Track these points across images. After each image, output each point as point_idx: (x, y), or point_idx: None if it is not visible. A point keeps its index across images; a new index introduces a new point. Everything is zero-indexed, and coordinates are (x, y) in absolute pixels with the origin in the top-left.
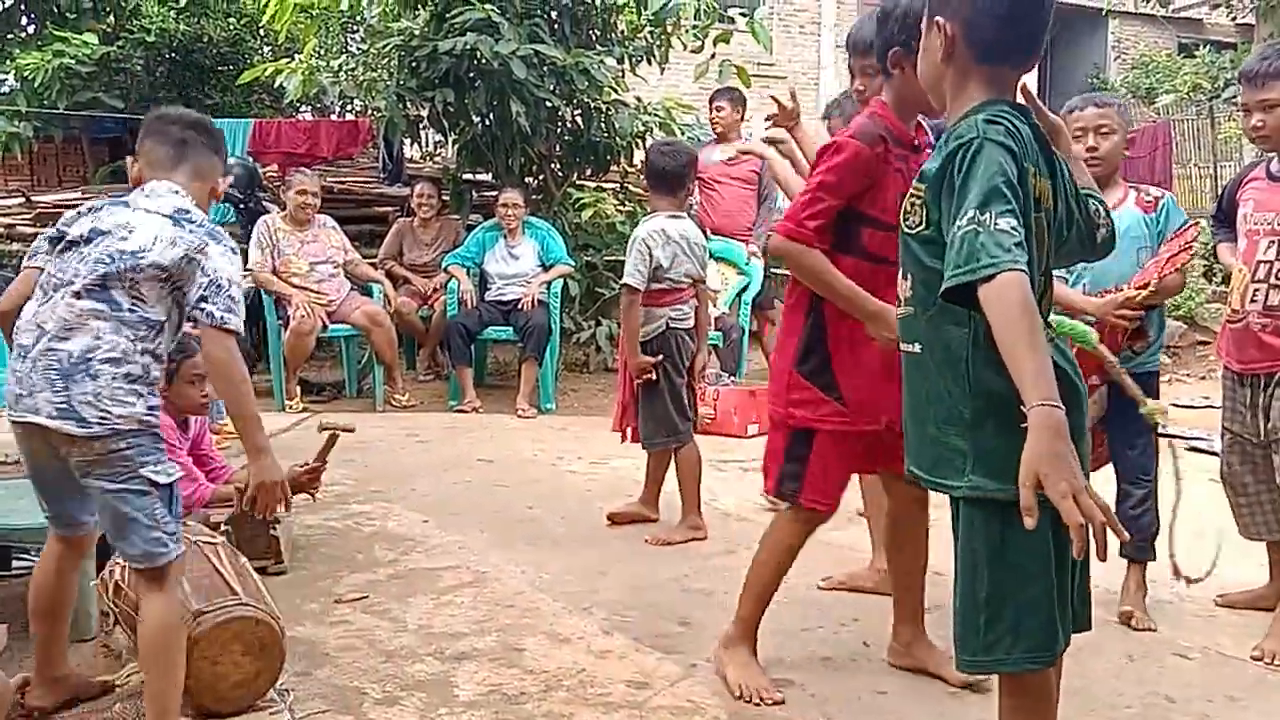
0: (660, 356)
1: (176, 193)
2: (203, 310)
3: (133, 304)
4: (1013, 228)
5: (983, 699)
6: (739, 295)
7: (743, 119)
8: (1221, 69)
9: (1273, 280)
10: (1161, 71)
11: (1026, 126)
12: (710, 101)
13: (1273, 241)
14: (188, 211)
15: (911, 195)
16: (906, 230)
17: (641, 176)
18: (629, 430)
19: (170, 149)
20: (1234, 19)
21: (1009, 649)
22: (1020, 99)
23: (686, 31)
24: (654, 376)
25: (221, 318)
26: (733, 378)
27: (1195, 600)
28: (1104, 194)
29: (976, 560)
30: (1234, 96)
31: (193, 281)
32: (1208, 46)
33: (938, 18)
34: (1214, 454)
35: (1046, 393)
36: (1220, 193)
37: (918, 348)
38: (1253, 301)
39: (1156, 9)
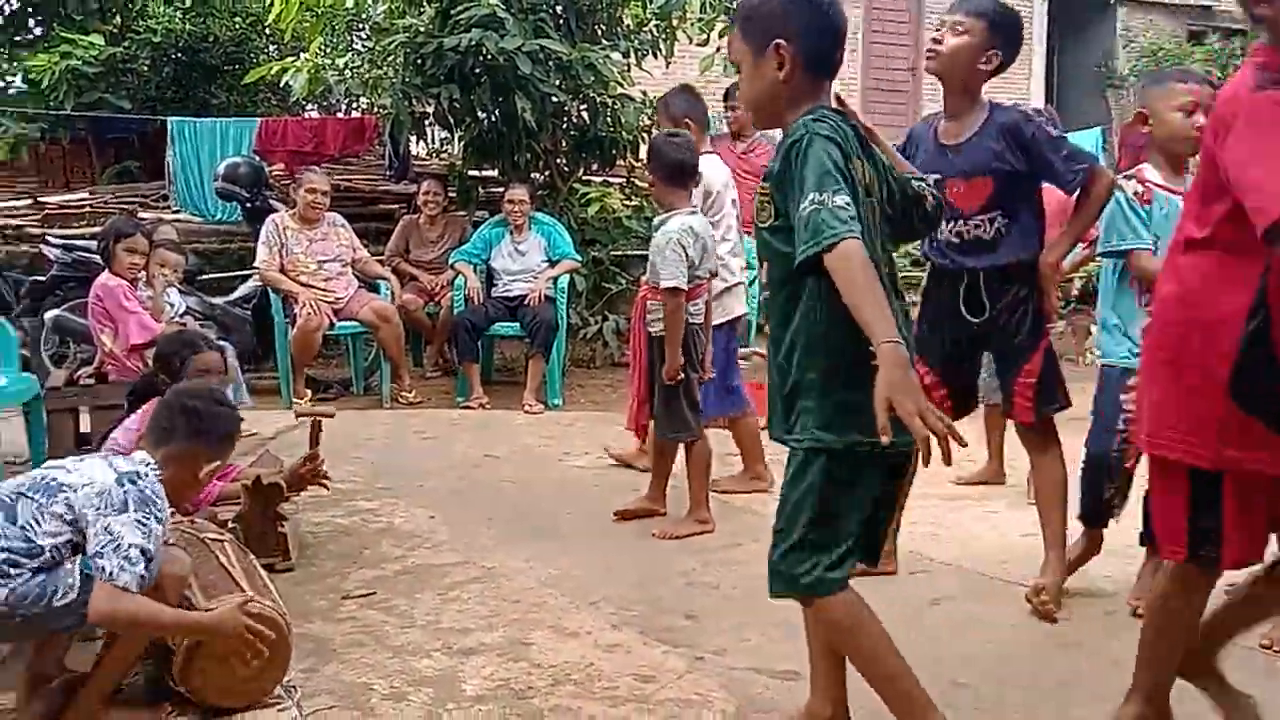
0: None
1: (145, 464)
2: (96, 564)
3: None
4: (846, 203)
5: (991, 689)
6: (751, 284)
7: None
8: (1232, 55)
9: None
10: (1171, 59)
11: (847, 126)
12: (725, 98)
13: None
14: (138, 477)
15: (760, 195)
16: (760, 225)
17: (647, 171)
18: (642, 429)
19: (156, 432)
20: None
21: (811, 570)
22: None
23: (692, 24)
24: (682, 376)
25: (112, 573)
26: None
27: None
28: (1177, 180)
29: (803, 498)
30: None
31: (94, 537)
32: (1217, 33)
33: (777, 41)
34: None
35: (890, 332)
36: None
37: (777, 325)
38: None
39: None
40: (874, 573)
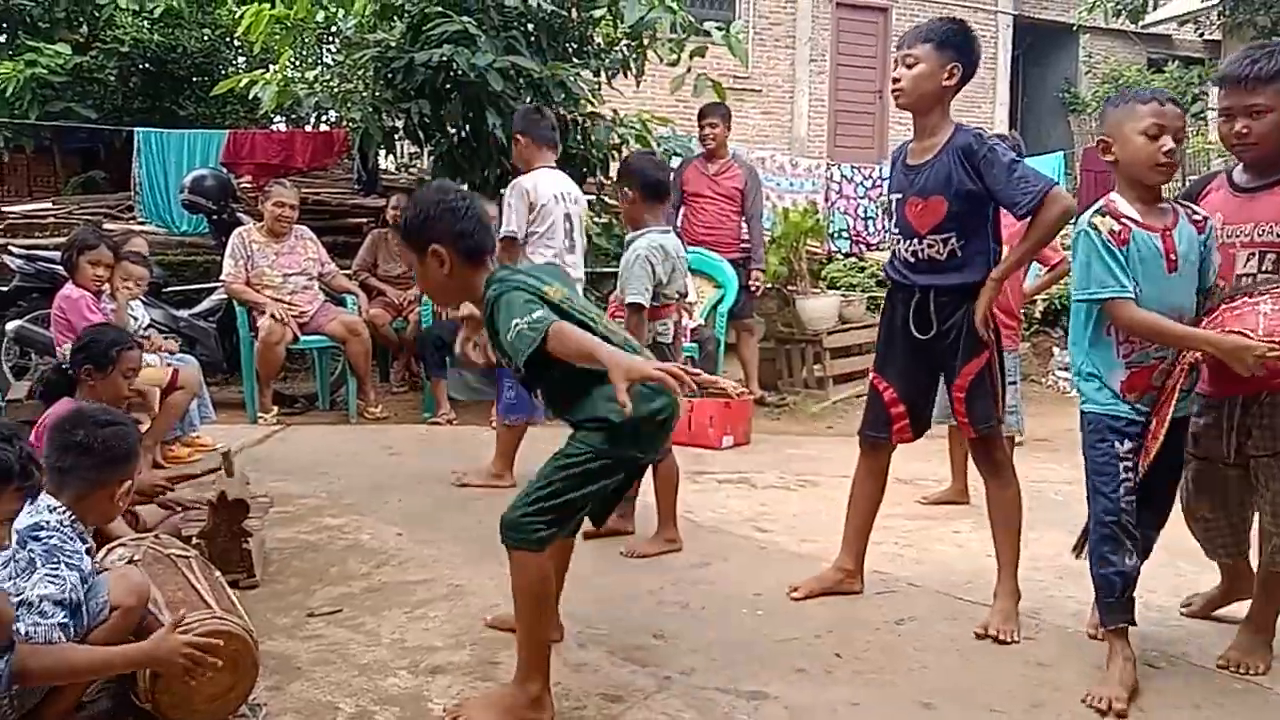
0: None
1: (50, 509)
2: (15, 628)
3: None
4: (540, 315)
5: (959, 710)
6: (714, 307)
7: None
8: (1190, 84)
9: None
10: (1132, 86)
11: (521, 273)
12: (701, 118)
13: (1252, 254)
14: (39, 529)
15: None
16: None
17: (618, 189)
18: None
19: (55, 475)
20: (1202, 35)
21: (535, 531)
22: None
23: (663, 45)
24: None
25: (28, 634)
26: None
27: (1161, 610)
28: (1155, 205)
29: (559, 467)
30: (1202, 112)
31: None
32: (1176, 62)
33: (433, 246)
34: None
35: (610, 355)
36: None
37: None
38: None
39: (1126, 25)
40: (839, 592)
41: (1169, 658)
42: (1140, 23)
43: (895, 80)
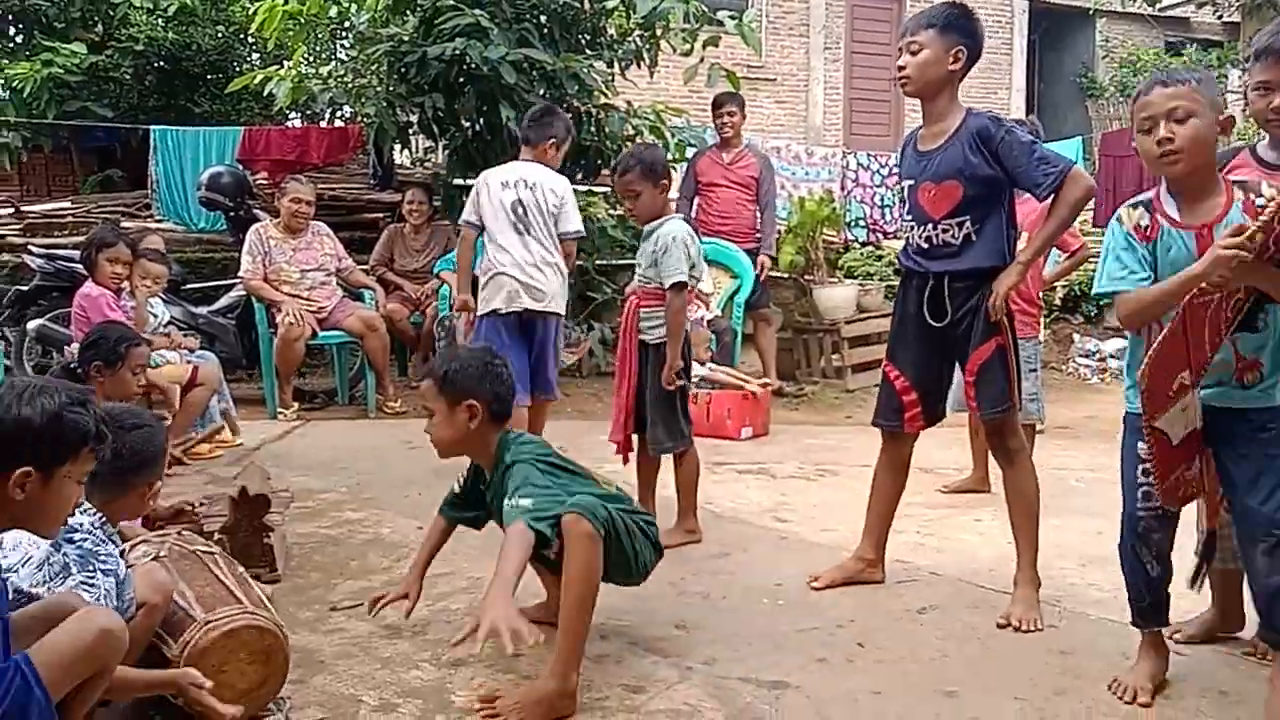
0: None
1: (82, 510)
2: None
3: None
4: (531, 504)
5: (981, 698)
6: (731, 298)
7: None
8: (1209, 67)
9: None
10: (1149, 70)
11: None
12: (718, 107)
13: None
14: (73, 530)
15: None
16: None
17: (622, 195)
18: (625, 441)
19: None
20: (1220, 18)
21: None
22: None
23: (675, 35)
24: (682, 381)
25: None
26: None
27: (1188, 597)
28: (1202, 199)
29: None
30: (1221, 94)
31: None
32: (1194, 45)
33: (469, 401)
34: None
35: (486, 605)
36: None
37: None
38: None
39: (1144, 8)
40: (861, 581)
41: (1194, 643)
42: (1157, 6)
43: (901, 68)
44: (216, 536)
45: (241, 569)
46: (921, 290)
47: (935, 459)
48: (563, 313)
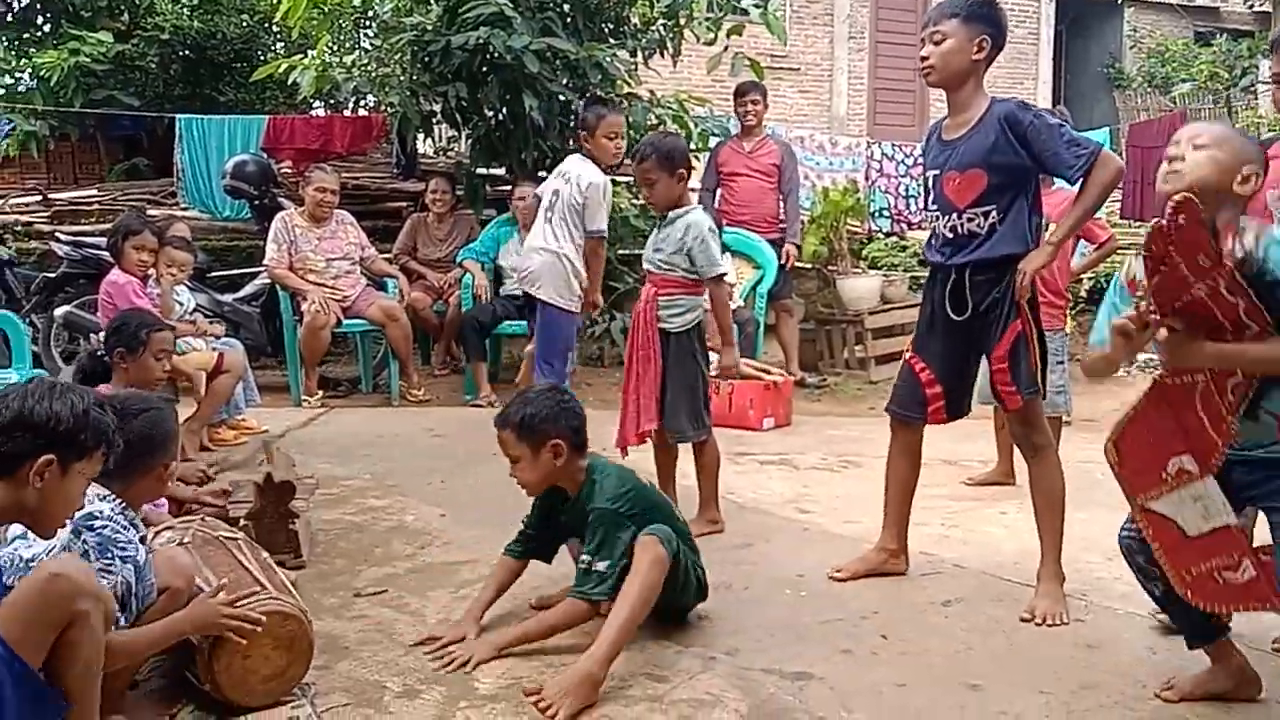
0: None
1: (101, 498)
2: None
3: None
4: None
5: (1006, 691)
6: (753, 288)
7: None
8: (1239, 57)
9: None
10: (1178, 60)
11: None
12: (741, 95)
13: None
14: (93, 518)
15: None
16: None
17: (642, 183)
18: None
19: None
20: (1251, 6)
21: None
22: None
23: (699, 24)
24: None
25: None
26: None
27: None
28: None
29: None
30: (1252, 85)
31: None
32: (1224, 35)
33: (554, 441)
34: None
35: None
36: None
37: None
38: None
39: None
40: (884, 572)
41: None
42: None
43: (924, 59)
44: (242, 523)
45: (266, 555)
46: (944, 284)
47: (960, 451)
48: (555, 302)
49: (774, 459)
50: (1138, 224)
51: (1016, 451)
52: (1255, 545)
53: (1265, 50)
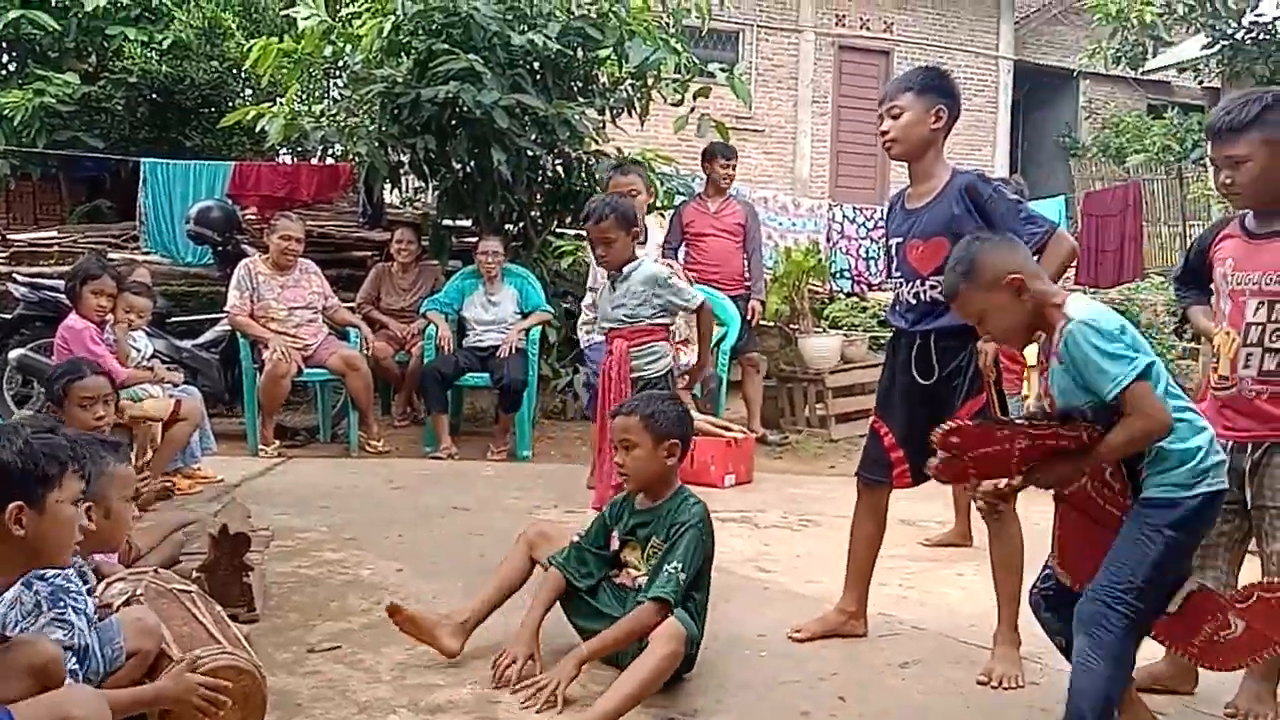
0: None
1: None
2: None
3: None
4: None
5: None
6: (717, 345)
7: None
8: (1189, 130)
9: (1267, 343)
10: (1131, 132)
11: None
12: (716, 157)
13: (1261, 303)
14: (44, 569)
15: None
16: None
17: (596, 243)
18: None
19: None
20: (1201, 83)
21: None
22: None
23: (666, 85)
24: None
25: None
26: None
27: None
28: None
29: None
30: (1202, 158)
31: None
32: (1176, 108)
33: (671, 440)
34: None
35: None
36: (1187, 249)
37: None
38: (1245, 367)
39: (1127, 71)
40: (843, 634)
41: (1177, 706)
42: (1140, 69)
43: (885, 133)
44: (195, 575)
45: (219, 608)
46: (910, 348)
47: (918, 512)
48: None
49: (735, 516)
50: (1092, 291)
51: (975, 513)
52: (1231, 596)
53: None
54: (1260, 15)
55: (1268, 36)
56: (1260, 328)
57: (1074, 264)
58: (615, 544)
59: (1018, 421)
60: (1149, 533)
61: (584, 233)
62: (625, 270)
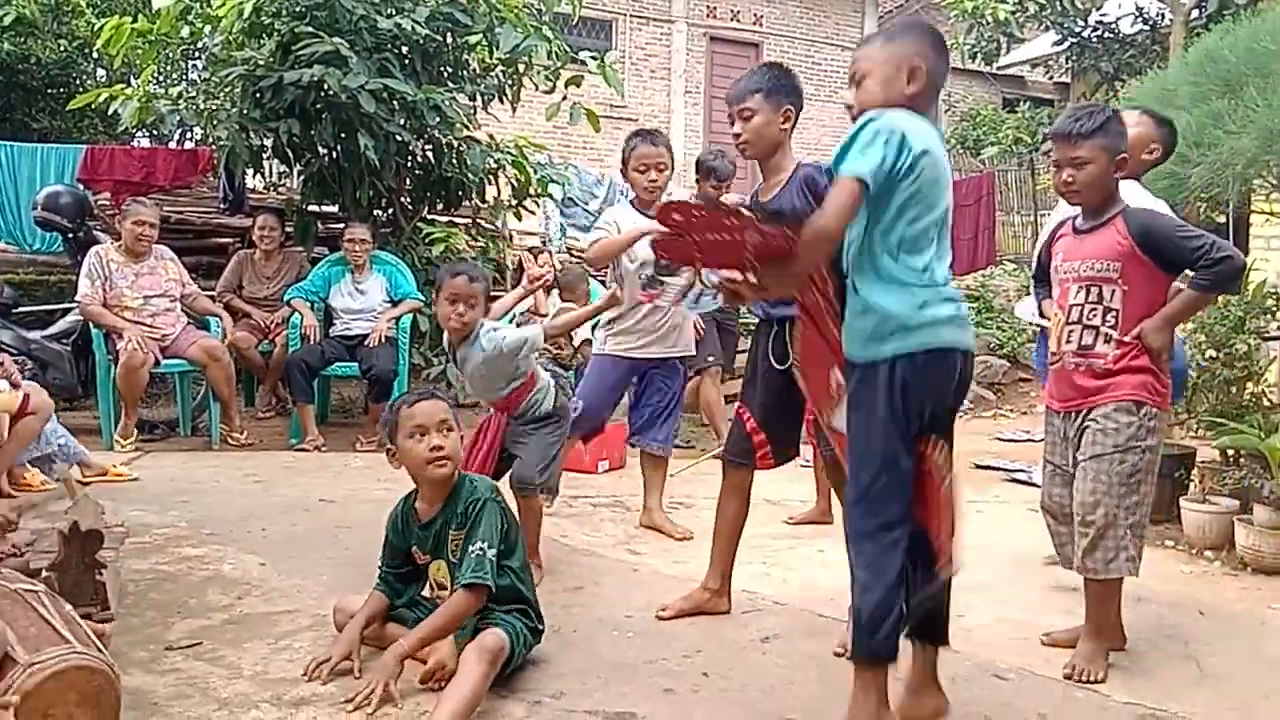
0: None
1: None
2: None
3: None
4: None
5: None
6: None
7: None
8: (1040, 124)
9: (1084, 321)
10: (987, 125)
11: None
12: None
13: (1081, 286)
14: None
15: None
16: None
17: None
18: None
19: None
20: (1051, 78)
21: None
22: None
23: (538, 73)
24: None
25: None
26: None
27: (1012, 623)
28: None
29: None
30: (1050, 150)
31: None
32: (1028, 103)
33: None
34: (1034, 485)
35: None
36: (1038, 252)
37: None
38: (1067, 343)
39: (982, 66)
40: (708, 611)
41: (1018, 669)
42: (995, 64)
43: (737, 135)
44: (44, 574)
45: (69, 608)
46: (767, 335)
47: (782, 492)
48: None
49: (608, 501)
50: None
51: (834, 492)
52: None
53: (1046, 134)
54: (1105, 15)
55: (1111, 35)
56: (1079, 308)
57: None
58: (421, 560)
59: (744, 213)
60: (851, 416)
61: (454, 219)
62: (479, 332)
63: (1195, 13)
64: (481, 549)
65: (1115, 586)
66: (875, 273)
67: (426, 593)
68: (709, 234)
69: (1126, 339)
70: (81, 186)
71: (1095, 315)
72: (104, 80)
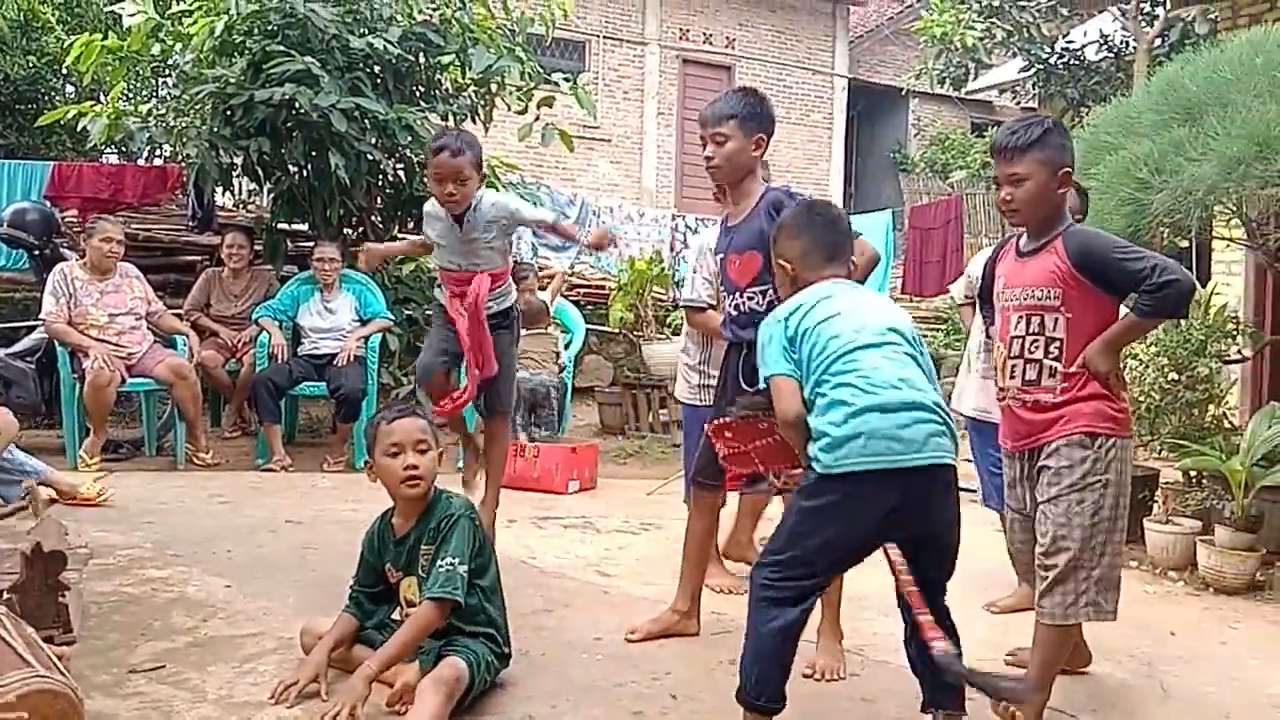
0: None
1: None
2: None
3: None
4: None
5: None
6: (567, 346)
7: None
8: None
9: (1026, 355)
10: (956, 149)
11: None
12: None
13: (1022, 316)
14: None
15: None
16: None
17: None
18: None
19: None
20: (1019, 103)
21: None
22: None
23: (510, 93)
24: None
25: None
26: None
27: (977, 642)
28: None
29: None
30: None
31: None
32: (996, 126)
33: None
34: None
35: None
36: (982, 272)
37: None
38: (1011, 378)
39: (951, 91)
40: (677, 634)
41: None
42: (963, 90)
43: (709, 159)
44: (5, 596)
45: (31, 630)
46: (738, 358)
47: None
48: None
49: (578, 522)
50: (916, 299)
51: None
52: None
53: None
54: (1071, 42)
55: (1077, 62)
56: (1020, 341)
57: (901, 274)
58: (393, 577)
59: (763, 416)
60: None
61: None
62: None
63: (1158, 41)
64: (452, 564)
65: (1070, 631)
66: None
67: (396, 615)
68: (756, 441)
69: (1073, 369)
70: (49, 203)
71: (1037, 348)
72: (73, 97)
